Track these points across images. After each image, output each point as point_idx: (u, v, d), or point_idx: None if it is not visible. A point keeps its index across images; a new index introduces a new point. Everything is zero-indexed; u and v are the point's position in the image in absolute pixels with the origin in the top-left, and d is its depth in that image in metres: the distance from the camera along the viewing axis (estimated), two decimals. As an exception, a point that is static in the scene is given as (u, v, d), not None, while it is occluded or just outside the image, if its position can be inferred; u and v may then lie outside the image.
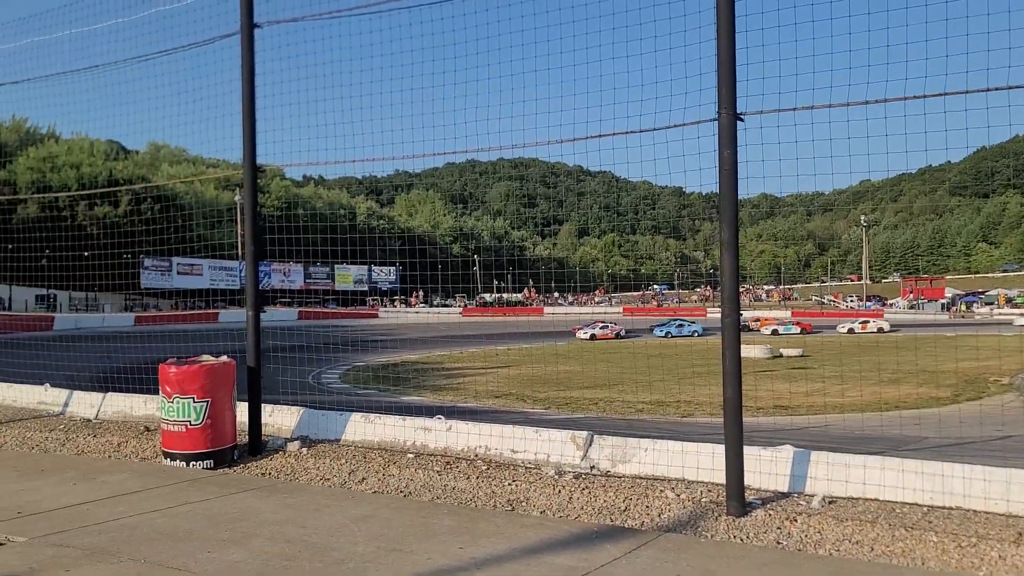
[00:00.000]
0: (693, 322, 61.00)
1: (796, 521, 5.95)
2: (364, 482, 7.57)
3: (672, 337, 55.12)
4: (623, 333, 56.22)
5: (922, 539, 5.48)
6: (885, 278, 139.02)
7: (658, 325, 60.53)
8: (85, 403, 11.30)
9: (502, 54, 7.63)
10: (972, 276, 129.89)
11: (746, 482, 6.42)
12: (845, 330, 63.12)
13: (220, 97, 9.96)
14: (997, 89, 5.51)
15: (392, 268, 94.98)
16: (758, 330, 62.28)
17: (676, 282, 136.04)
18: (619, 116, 6.85)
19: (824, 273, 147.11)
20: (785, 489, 6.72)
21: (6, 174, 56.89)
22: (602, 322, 58.46)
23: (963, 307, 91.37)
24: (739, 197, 6.37)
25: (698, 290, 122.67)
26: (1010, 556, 5.18)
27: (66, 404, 11.47)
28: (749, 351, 35.45)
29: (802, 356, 40.86)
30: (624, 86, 6.79)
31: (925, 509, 6.11)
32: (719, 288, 6.66)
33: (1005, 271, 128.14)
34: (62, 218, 46.90)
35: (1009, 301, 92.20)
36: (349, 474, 7.79)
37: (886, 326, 64.40)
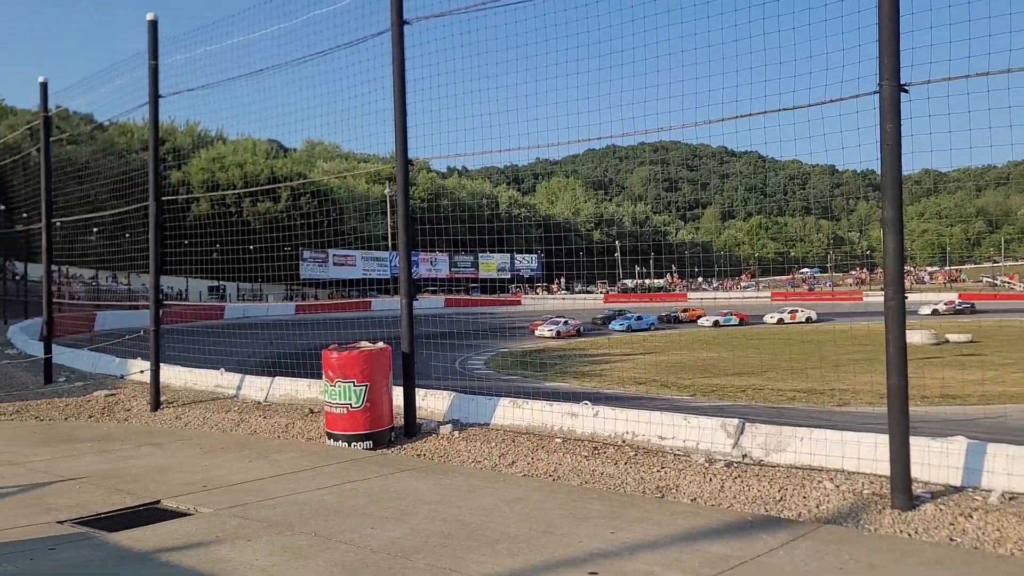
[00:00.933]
0: (641, 316, 52.75)
1: (971, 517, 5.57)
2: (514, 465, 7.74)
3: (633, 331, 48.38)
4: (582, 329, 48.83)
5: (1120, 541, 5.01)
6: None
7: (611, 319, 51.88)
8: (255, 387, 12.16)
9: (647, 36, 7.53)
10: None
11: (913, 474, 6.07)
12: (775, 320, 56.19)
13: (369, 94, 10.39)
14: None
15: (534, 255, 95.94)
16: (688, 320, 55.79)
17: (829, 265, 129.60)
18: (770, 94, 6.60)
19: (997, 252, 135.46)
20: (957, 483, 6.31)
21: (182, 175, 61.82)
22: (563, 318, 50.11)
23: None
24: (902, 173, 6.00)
25: (853, 272, 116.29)
26: None
27: (239, 387, 12.39)
28: (911, 337, 33.26)
29: (971, 342, 37.98)
30: (775, 62, 6.53)
31: (1123, 509, 5.56)
32: (877, 270, 6.31)
33: None
34: (229, 214, 50.41)
35: None
36: (499, 457, 7.98)
37: (814, 315, 56.44)
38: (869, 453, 6.78)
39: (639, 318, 51.42)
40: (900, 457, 5.99)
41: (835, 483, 6.50)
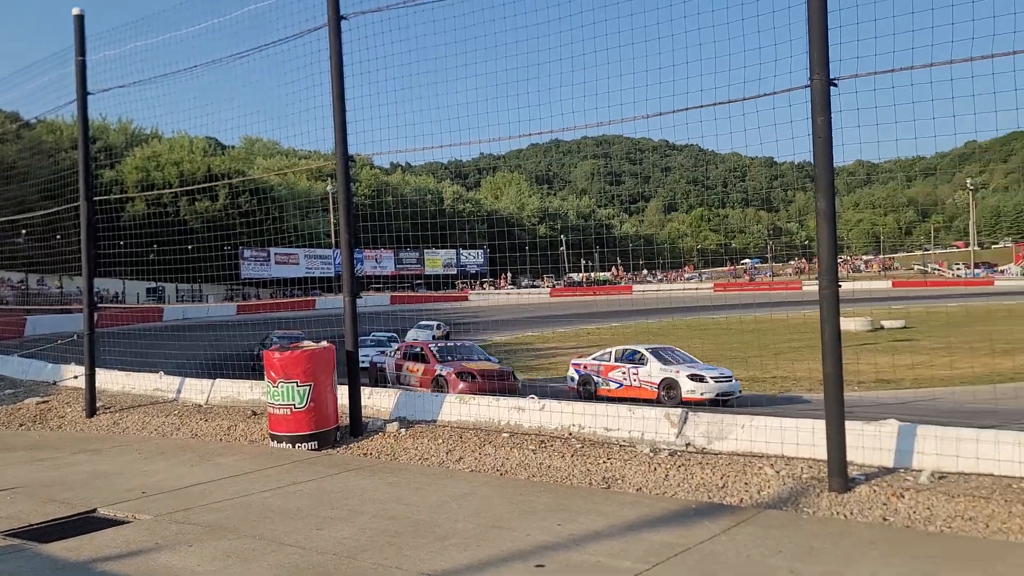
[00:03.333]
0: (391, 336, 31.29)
1: (903, 497, 5.77)
2: (461, 461, 7.74)
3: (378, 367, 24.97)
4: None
5: (1042, 515, 5.24)
6: (995, 243, 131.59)
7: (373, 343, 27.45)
8: (195, 389, 11.90)
9: (585, 31, 7.58)
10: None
11: (849, 458, 6.26)
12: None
13: (309, 90, 10.24)
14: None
15: (480, 251, 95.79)
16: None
17: (769, 255, 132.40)
18: (706, 88, 6.71)
19: (927, 240, 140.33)
20: (890, 464, 6.53)
21: (115, 174, 60.03)
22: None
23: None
24: (834, 165, 6.17)
25: (792, 263, 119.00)
26: None
27: (178, 391, 12.11)
28: (848, 324, 34.20)
29: (904, 328, 39.25)
30: (710, 56, 6.64)
31: (1045, 484, 5.83)
32: (815, 260, 6.49)
33: None
34: (167, 214, 49.22)
35: None
36: (447, 453, 7.97)
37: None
38: (807, 439, 6.96)
39: (391, 337, 34.43)
40: (836, 441, 6.17)
41: (775, 469, 6.66)
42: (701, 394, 17.38)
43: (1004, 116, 6.11)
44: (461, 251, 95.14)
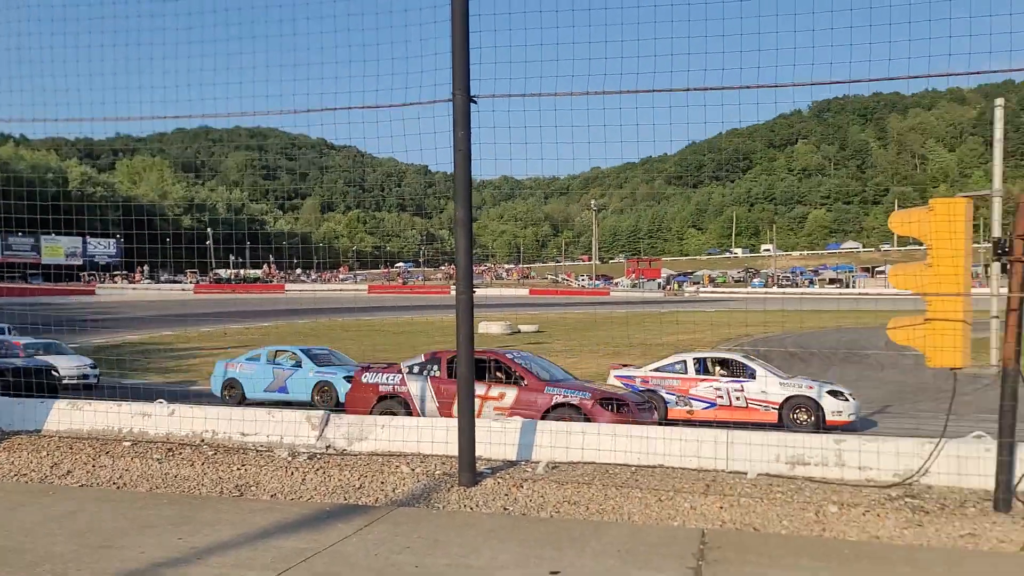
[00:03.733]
0: None
1: (522, 487, 6.30)
2: (69, 475, 6.87)
3: None
4: None
5: (629, 496, 6.05)
6: (612, 258, 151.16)
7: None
8: None
9: (229, 16, 7.18)
10: (683, 258, 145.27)
11: (478, 453, 6.68)
12: None
13: None
14: (697, 89, 6.15)
15: (112, 240, 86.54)
16: None
17: (422, 260, 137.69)
18: (368, 90, 6.76)
19: (559, 253, 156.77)
20: (514, 457, 7.10)
21: None
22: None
23: (676, 286, 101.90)
24: (483, 178, 6.59)
25: (443, 268, 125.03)
26: (700, 506, 5.88)
27: None
28: (489, 327, 36.80)
29: (538, 331, 43.27)
30: (360, 59, 6.68)
31: (634, 468, 6.75)
32: (459, 266, 6.78)
33: (710, 254, 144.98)
34: None
35: (712, 281, 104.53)
36: (51, 467, 7.03)
37: None
38: (442, 436, 7.31)
39: None
40: (466, 438, 6.54)
41: (411, 467, 6.88)
42: (849, 415, 12.78)
43: (618, 147, 7.03)
44: (89, 239, 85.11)
